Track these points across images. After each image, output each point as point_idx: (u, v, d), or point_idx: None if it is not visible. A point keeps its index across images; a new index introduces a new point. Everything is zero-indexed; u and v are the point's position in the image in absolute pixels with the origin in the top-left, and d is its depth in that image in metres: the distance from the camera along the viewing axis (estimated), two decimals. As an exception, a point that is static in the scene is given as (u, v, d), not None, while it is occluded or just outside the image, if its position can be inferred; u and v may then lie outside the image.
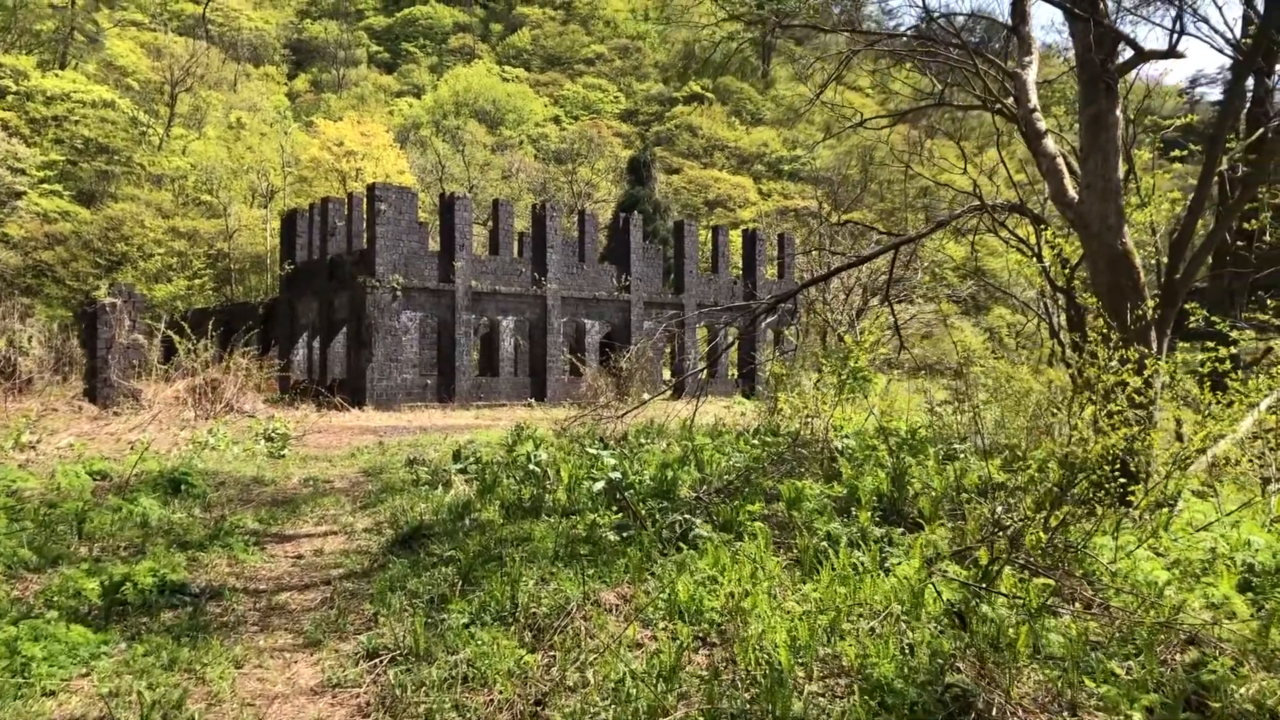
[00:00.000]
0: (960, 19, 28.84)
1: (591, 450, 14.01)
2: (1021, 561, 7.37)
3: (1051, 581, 6.77)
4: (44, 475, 13.28)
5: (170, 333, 26.14)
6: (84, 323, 26.36)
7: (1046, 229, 16.89)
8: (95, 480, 13.05)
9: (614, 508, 10.19)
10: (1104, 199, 11.09)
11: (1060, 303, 22.36)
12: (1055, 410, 16.07)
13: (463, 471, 12.88)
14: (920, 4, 13.73)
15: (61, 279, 52.18)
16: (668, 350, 49.49)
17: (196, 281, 56.20)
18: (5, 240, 51.51)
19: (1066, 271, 16.95)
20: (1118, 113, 11.24)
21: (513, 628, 6.36)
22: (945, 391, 27.58)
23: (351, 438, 22.07)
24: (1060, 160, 12.23)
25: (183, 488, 12.26)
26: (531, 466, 12.43)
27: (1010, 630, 5.78)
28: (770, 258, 53.07)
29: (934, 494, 10.43)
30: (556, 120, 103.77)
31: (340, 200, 43.98)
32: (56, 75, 61.66)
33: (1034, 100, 12.94)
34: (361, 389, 35.51)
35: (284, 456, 16.47)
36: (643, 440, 16.91)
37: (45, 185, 55.69)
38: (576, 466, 11.98)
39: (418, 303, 37.44)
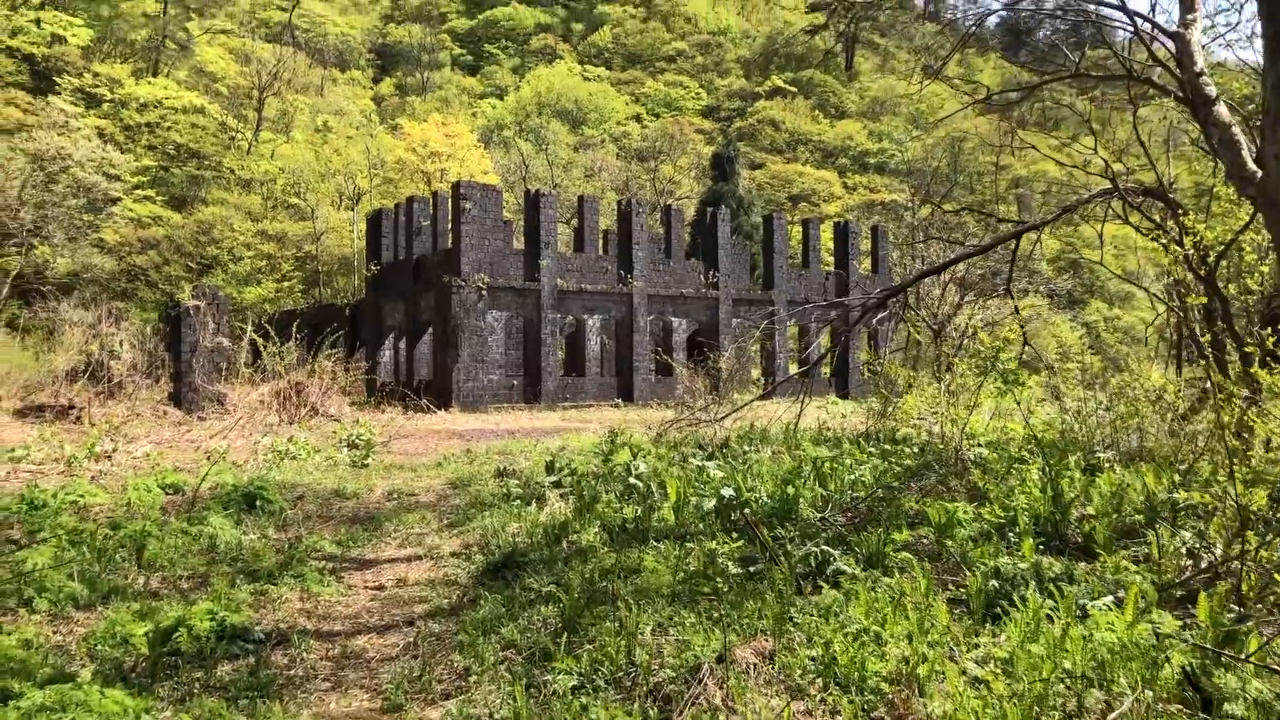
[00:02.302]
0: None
1: (695, 461, 12.82)
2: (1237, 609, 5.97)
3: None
4: (116, 489, 12.57)
5: (255, 335, 25.70)
6: (168, 325, 26.08)
7: (1186, 215, 15.32)
8: (167, 494, 12.29)
9: (732, 532, 8.97)
10: (1298, 171, 9.47)
11: (1199, 295, 20.52)
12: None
13: (557, 485, 11.80)
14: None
15: (154, 282, 52.89)
16: (756, 349, 48.01)
17: (285, 284, 56.54)
18: (101, 245, 52.37)
19: (1209, 261, 15.40)
20: (1314, 70, 9.64)
21: (633, 697, 5.18)
22: (1042, 389, 25.70)
23: (438, 442, 21.24)
24: (1237, 129, 10.63)
25: (258, 503, 11.39)
26: (632, 480, 11.30)
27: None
28: (863, 251, 51.25)
29: (1105, 516, 8.98)
30: (638, 118, 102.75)
31: (425, 199, 43.55)
32: (149, 82, 62.74)
33: (1201, 63, 11.34)
34: (448, 390, 34.89)
35: (367, 466, 15.61)
36: (745, 447, 15.65)
37: (139, 191, 56.61)
38: (682, 480, 10.77)
39: (503, 302, 36.71)
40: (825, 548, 7.54)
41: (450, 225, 37.87)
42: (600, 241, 45.16)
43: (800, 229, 54.45)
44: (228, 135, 64.96)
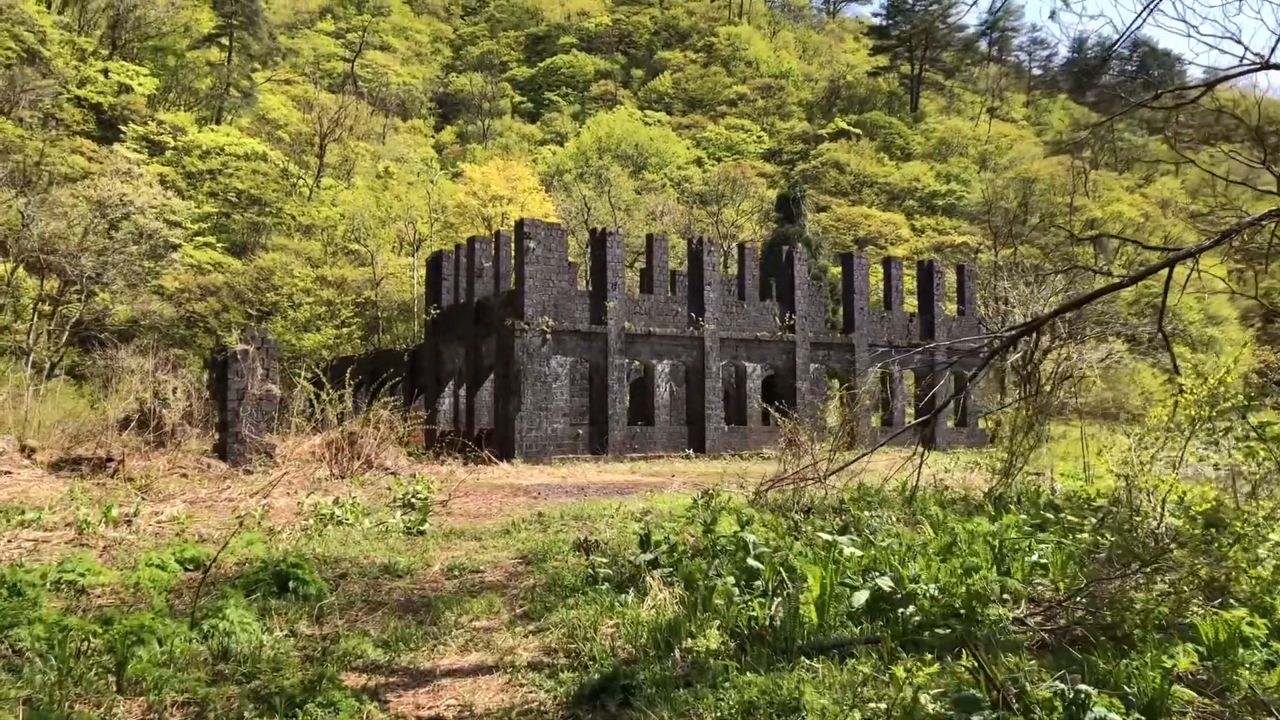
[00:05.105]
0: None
1: (821, 533, 10.47)
2: None
3: None
4: (127, 564, 10.55)
5: (305, 383, 23.89)
6: (214, 372, 24.40)
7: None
8: (186, 570, 10.24)
9: (908, 645, 6.62)
10: None
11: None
12: None
13: (654, 564, 9.50)
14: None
15: (213, 329, 51.92)
16: (834, 399, 45.36)
17: (344, 330, 55.34)
18: (160, 292, 51.67)
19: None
20: None
21: None
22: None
23: (502, 500, 19.09)
24: None
25: (291, 584, 9.27)
26: (750, 561, 8.97)
27: None
28: (946, 293, 48.54)
29: None
30: (699, 162, 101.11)
31: (487, 240, 41.91)
32: (212, 130, 62.60)
33: None
34: (510, 440, 32.85)
35: (423, 533, 13.46)
36: (865, 512, 13.24)
37: (199, 237, 56.09)
38: (820, 563, 8.41)
39: (568, 347, 34.71)
40: (1083, 687, 5.15)
41: (513, 266, 36.12)
42: (669, 283, 43.12)
43: (879, 269, 52.01)
44: (289, 182, 64.48)
